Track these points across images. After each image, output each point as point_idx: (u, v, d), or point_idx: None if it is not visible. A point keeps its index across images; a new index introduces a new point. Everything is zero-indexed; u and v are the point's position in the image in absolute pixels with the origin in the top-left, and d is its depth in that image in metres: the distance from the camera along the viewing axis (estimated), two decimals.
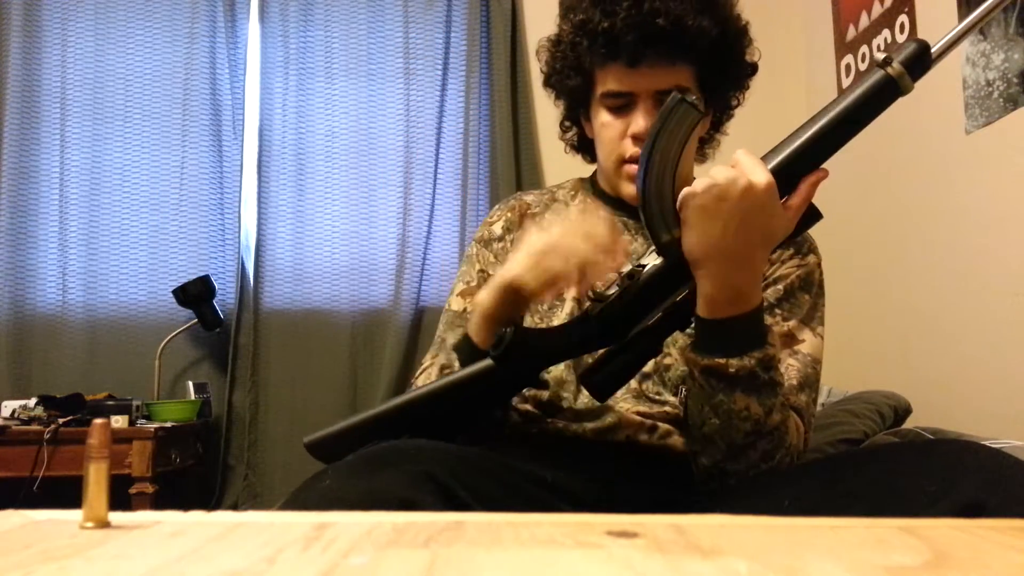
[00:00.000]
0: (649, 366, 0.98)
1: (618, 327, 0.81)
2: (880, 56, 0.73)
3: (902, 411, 1.79)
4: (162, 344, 2.49)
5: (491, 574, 0.33)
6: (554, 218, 0.85)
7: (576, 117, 1.12)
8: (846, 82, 2.43)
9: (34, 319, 2.54)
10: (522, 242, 0.85)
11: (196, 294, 2.45)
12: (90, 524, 0.42)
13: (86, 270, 2.58)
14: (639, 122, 0.98)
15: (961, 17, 1.85)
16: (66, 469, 2.08)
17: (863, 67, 2.32)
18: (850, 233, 2.42)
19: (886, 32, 2.19)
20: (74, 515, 0.43)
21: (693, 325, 0.81)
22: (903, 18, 2.11)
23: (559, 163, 1.24)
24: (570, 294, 0.99)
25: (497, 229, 1.10)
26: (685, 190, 0.74)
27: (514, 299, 0.84)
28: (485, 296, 0.85)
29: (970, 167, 1.85)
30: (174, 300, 2.47)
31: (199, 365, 2.61)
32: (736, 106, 1.12)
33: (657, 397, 0.97)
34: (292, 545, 0.38)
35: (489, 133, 2.69)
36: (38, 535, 0.41)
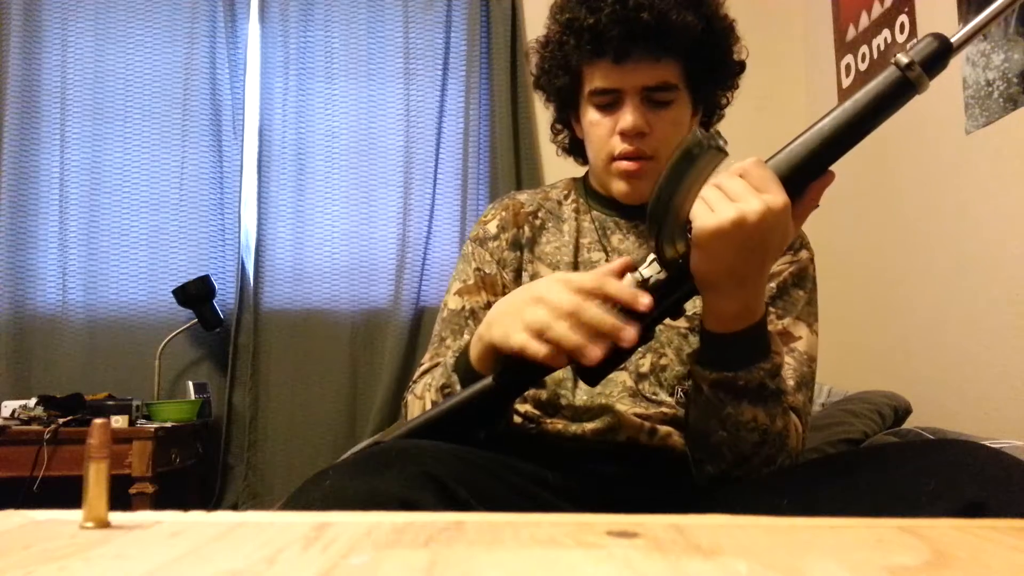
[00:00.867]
0: (646, 366, 0.98)
1: None
2: (902, 58, 0.70)
3: (902, 411, 1.79)
4: (162, 344, 2.49)
5: (491, 574, 0.33)
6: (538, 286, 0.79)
7: (567, 119, 1.12)
8: (846, 82, 2.43)
9: (34, 319, 2.54)
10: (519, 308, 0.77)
11: (196, 294, 2.45)
12: (90, 524, 0.42)
13: (86, 270, 2.58)
14: (627, 118, 0.98)
15: (961, 17, 1.85)
16: (66, 469, 2.08)
17: (863, 67, 2.32)
18: (850, 233, 2.42)
19: (886, 32, 2.19)
20: (74, 515, 0.43)
21: (699, 337, 0.80)
22: (903, 18, 2.11)
23: (559, 163, 1.24)
24: None
25: (492, 228, 1.10)
26: (698, 210, 0.71)
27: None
28: (486, 338, 0.81)
29: (970, 167, 1.85)
30: (174, 300, 2.47)
31: (199, 365, 2.61)
32: (726, 105, 1.12)
33: (654, 397, 0.97)
34: (292, 545, 0.38)
35: (489, 133, 2.70)
36: (38, 535, 0.41)
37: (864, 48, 2.31)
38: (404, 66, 2.69)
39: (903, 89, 0.70)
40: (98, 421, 0.42)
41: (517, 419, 1.01)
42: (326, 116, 2.67)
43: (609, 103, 1.00)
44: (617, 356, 0.76)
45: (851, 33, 2.39)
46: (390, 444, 0.73)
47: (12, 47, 2.59)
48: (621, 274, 0.75)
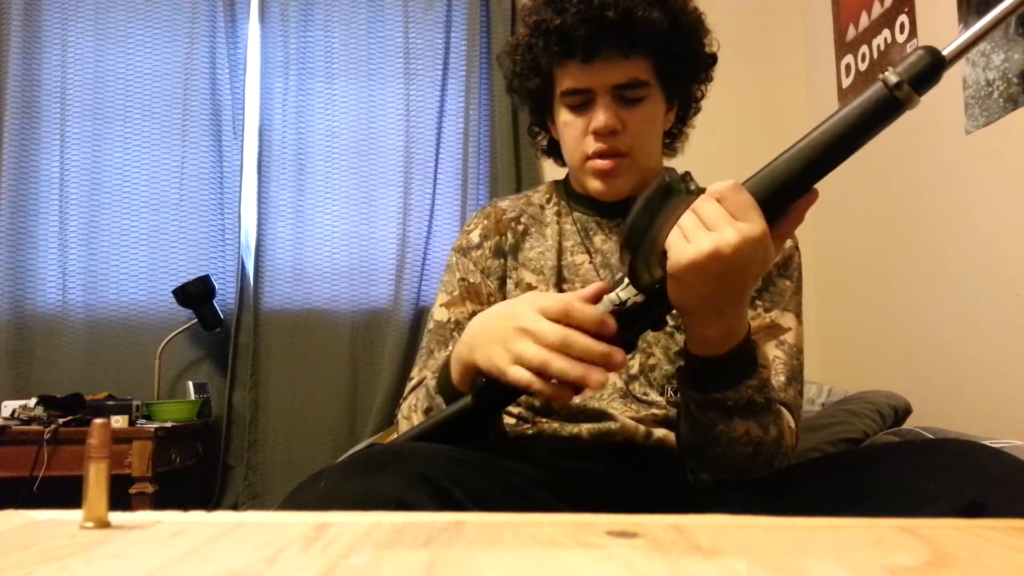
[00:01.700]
0: (635, 367, 0.98)
1: None
2: (890, 77, 0.66)
3: (902, 411, 1.79)
4: (162, 344, 2.49)
5: (491, 574, 0.33)
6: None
7: (543, 121, 1.13)
8: (846, 82, 2.43)
9: (34, 319, 2.54)
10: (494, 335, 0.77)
11: (196, 294, 2.45)
12: (90, 524, 0.42)
13: (86, 270, 2.58)
14: (599, 118, 0.98)
15: (961, 17, 1.85)
16: (66, 469, 2.08)
17: (863, 67, 2.32)
18: (850, 233, 2.42)
19: (886, 32, 2.19)
20: (74, 515, 0.43)
21: (684, 358, 0.79)
22: (903, 18, 2.11)
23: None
24: None
25: (475, 237, 1.11)
26: (673, 240, 0.69)
27: None
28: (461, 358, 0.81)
29: (970, 167, 1.85)
30: (174, 300, 2.47)
31: (199, 365, 2.61)
32: (701, 98, 1.11)
33: (644, 398, 0.98)
34: (292, 545, 0.38)
35: (489, 133, 2.70)
36: (38, 535, 0.41)
37: (864, 48, 2.31)
38: (404, 66, 2.69)
39: (891, 108, 0.67)
40: (98, 421, 0.42)
41: (511, 420, 1.01)
42: (326, 116, 2.67)
43: (581, 103, 1.00)
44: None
45: (851, 33, 2.39)
46: (385, 446, 0.73)
47: (12, 47, 2.59)
48: (597, 298, 0.74)
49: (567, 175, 1.14)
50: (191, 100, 2.65)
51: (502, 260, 1.08)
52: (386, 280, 2.63)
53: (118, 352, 2.54)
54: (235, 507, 2.46)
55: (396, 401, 2.43)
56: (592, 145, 1.00)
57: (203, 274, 2.52)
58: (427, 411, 0.88)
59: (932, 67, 0.67)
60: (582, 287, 0.80)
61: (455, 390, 0.83)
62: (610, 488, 0.93)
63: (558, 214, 1.10)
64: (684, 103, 1.10)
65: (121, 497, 2.05)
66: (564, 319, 0.72)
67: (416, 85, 2.69)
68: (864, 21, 2.31)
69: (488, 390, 0.78)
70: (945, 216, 1.96)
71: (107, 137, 2.62)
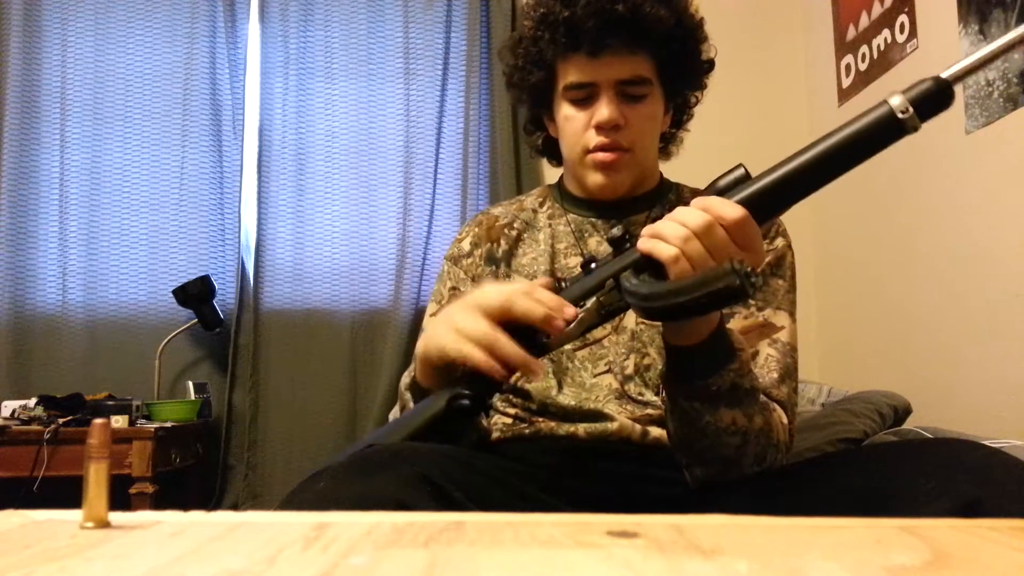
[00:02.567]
0: (631, 368, 0.98)
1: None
2: (895, 102, 0.66)
3: (902, 411, 1.79)
4: (162, 344, 2.49)
5: (491, 574, 0.33)
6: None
7: (539, 119, 1.13)
8: (846, 82, 2.43)
9: (34, 319, 2.54)
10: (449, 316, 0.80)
11: (196, 294, 2.45)
12: (90, 524, 0.42)
13: (86, 270, 2.58)
14: (603, 111, 0.98)
15: (961, 17, 1.85)
16: (66, 469, 2.08)
17: (863, 67, 2.32)
18: (850, 233, 2.42)
19: (886, 32, 2.19)
20: (74, 515, 0.43)
21: (665, 353, 0.80)
22: (903, 18, 2.11)
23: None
24: None
25: (465, 246, 1.11)
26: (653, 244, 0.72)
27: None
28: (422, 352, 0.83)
29: (970, 167, 1.85)
30: (174, 300, 2.47)
31: (199, 365, 2.61)
32: (695, 104, 1.12)
33: (640, 398, 0.98)
34: (292, 545, 0.38)
35: (489, 133, 2.70)
36: (38, 535, 0.41)
37: (864, 48, 2.31)
38: (404, 66, 2.69)
39: (894, 133, 0.67)
40: (98, 421, 0.42)
41: (508, 419, 1.01)
42: (326, 116, 2.67)
43: (584, 97, 1.00)
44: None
45: (851, 33, 2.39)
46: (384, 446, 0.74)
47: (12, 47, 2.59)
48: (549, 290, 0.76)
49: (561, 177, 1.14)
50: (191, 100, 2.65)
51: (494, 267, 1.08)
52: (386, 280, 2.63)
53: (118, 352, 2.54)
54: (235, 507, 2.46)
55: (395, 401, 2.44)
56: (594, 139, 1.00)
57: (203, 274, 2.52)
58: (403, 410, 0.89)
59: (934, 93, 0.66)
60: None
61: (424, 392, 0.84)
62: (609, 488, 0.93)
63: (551, 217, 1.10)
64: (679, 108, 1.10)
65: (121, 497, 2.05)
66: (505, 316, 0.74)
67: (416, 85, 2.69)
68: (864, 21, 2.31)
69: (463, 384, 0.78)
70: (945, 216, 1.96)
71: (107, 137, 2.62)
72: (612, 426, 0.95)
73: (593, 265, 0.77)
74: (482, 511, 0.56)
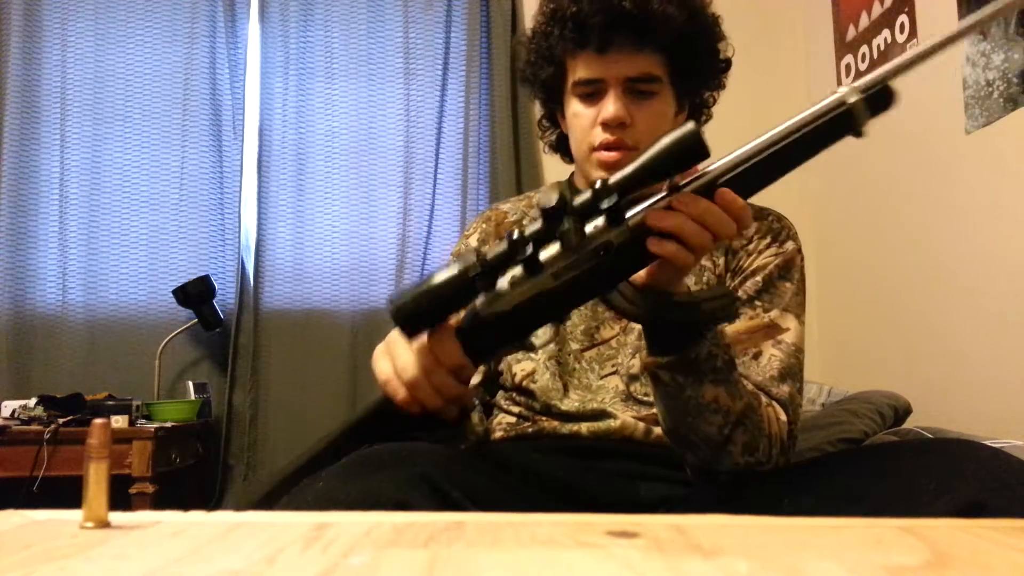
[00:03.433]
0: (636, 368, 0.98)
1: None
2: (843, 90, 0.66)
3: (902, 411, 1.79)
4: (162, 344, 2.49)
5: (491, 574, 0.33)
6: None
7: (553, 115, 1.13)
8: (846, 82, 2.42)
9: (34, 319, 2.54)
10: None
11: (196, 294, 2.45)
12: (90, 524, 0.42)
13: (86, 270, 2.57)
14: (609, 109, 0.98)
15: (961, 17, 1.85)
16: (66, 469, 2.08)
17: (863, 67, 2.32)
18: (850, 233, 2.42)
19: (886, 32, 2.19)
20: (74, 515, 0.43)
21: (644, 332, 0.80)
22: (903, 18, 2.11)
23: (559, 163, 1.24)
24: None
25: (473, 242, 1.11)
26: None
27: None
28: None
29: (970, 167, 1.85)
30: (174, 300, 2.47)
31: (199, 365, 2.61)
32: (713, 104, 1.11)
33: (645, 398, 0.97)
34: (292, 545, 0.38)
35: (489, 133, 2.70)
36: (38, 535, 0.41)
37: (864, 48, 2.31)
38: (404, 66, 2.69)
39: (842, 125, 0.66)
40: (98, 421, 0.42)
41: (511, 419, 1.01)
42: (326, 116, 2.67)
43: (592, 94, 1.00)
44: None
45: (851, 33, 2.39)
46: (383, 446, 0.74)
47: (12, 47, 2.59)
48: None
49: (571, 175, 1.14)
50: (191, 100, 2.64)
51: None
52: (386, 280, 2.63)
53: (118, 352, 2.54)
54: (235, 507, 2.46)
55: None
56: (600, 136, 1.00)
57: (203, 274, 2.51)
58: None
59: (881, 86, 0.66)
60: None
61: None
62: (610, 487, 0.93)
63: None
64: (695, 107, 1.09)
65: (121, 497, 2.05)
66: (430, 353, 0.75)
67: (416, 85, 2.69)
68: (864, 21, 2.31)
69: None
70: (945, 216, 1.96)
71: (107, 137, 2.62)
72: (615, 424, 0.95)
73: (533, 252, 0.73)
74: (482, 511, 0.56)
